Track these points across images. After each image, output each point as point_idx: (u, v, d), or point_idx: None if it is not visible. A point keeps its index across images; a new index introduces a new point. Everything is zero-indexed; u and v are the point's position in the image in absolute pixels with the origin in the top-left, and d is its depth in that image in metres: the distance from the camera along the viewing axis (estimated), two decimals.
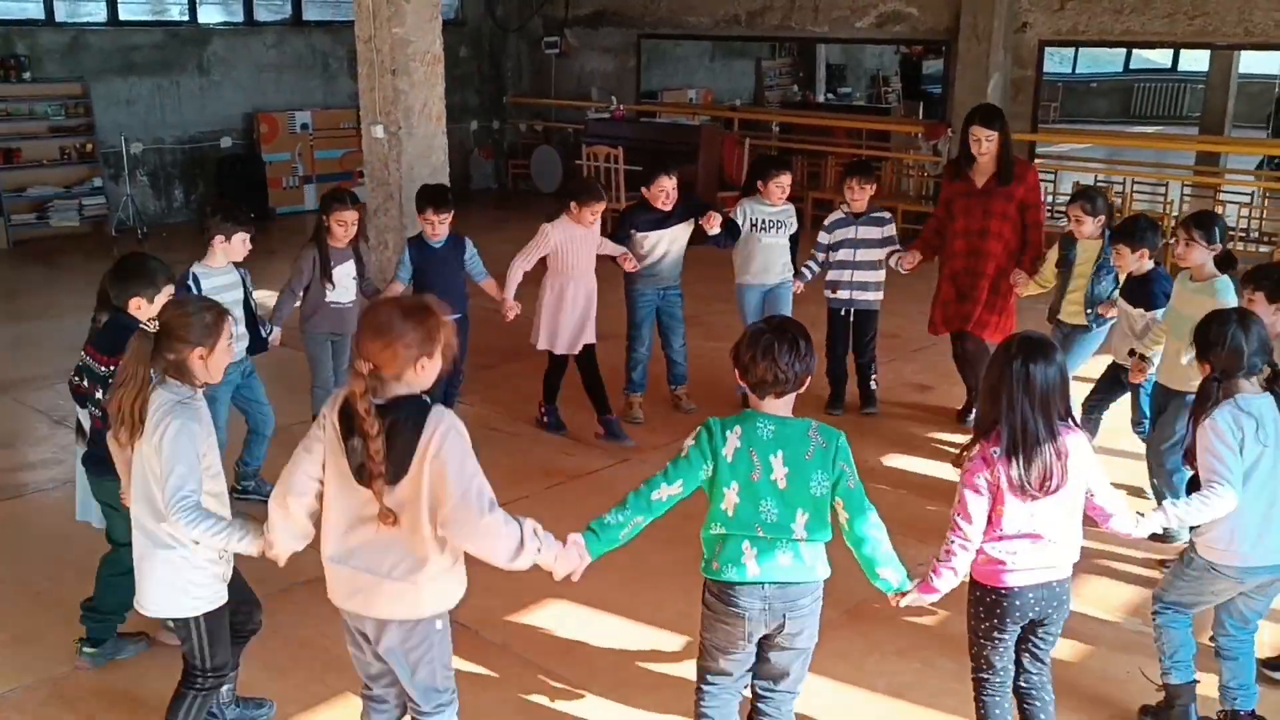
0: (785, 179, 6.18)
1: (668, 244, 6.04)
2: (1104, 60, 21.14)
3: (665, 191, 5.94)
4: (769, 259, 6.21)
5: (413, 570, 2.70)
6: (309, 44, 12.91)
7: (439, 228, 5.50)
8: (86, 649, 3.90)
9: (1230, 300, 4.44)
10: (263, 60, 12.55)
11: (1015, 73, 10.68)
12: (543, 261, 5.83)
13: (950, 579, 3.06)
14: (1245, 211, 10.36)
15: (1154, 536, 3.91)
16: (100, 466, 3.58)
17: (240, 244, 4.82)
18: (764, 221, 6.18)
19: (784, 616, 2.91)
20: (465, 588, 2.85)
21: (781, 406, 2.89)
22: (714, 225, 6.00)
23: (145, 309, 3.73)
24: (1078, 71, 21.12)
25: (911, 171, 12.05)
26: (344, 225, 5.28)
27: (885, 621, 4.27)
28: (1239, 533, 3.31)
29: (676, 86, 15.12)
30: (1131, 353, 4.93)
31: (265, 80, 12.56)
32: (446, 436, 2.61)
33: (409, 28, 6.16)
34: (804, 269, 6.30)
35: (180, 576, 3.04)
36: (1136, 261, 4.95)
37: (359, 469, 2.63)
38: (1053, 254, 5.69)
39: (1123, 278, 5.15)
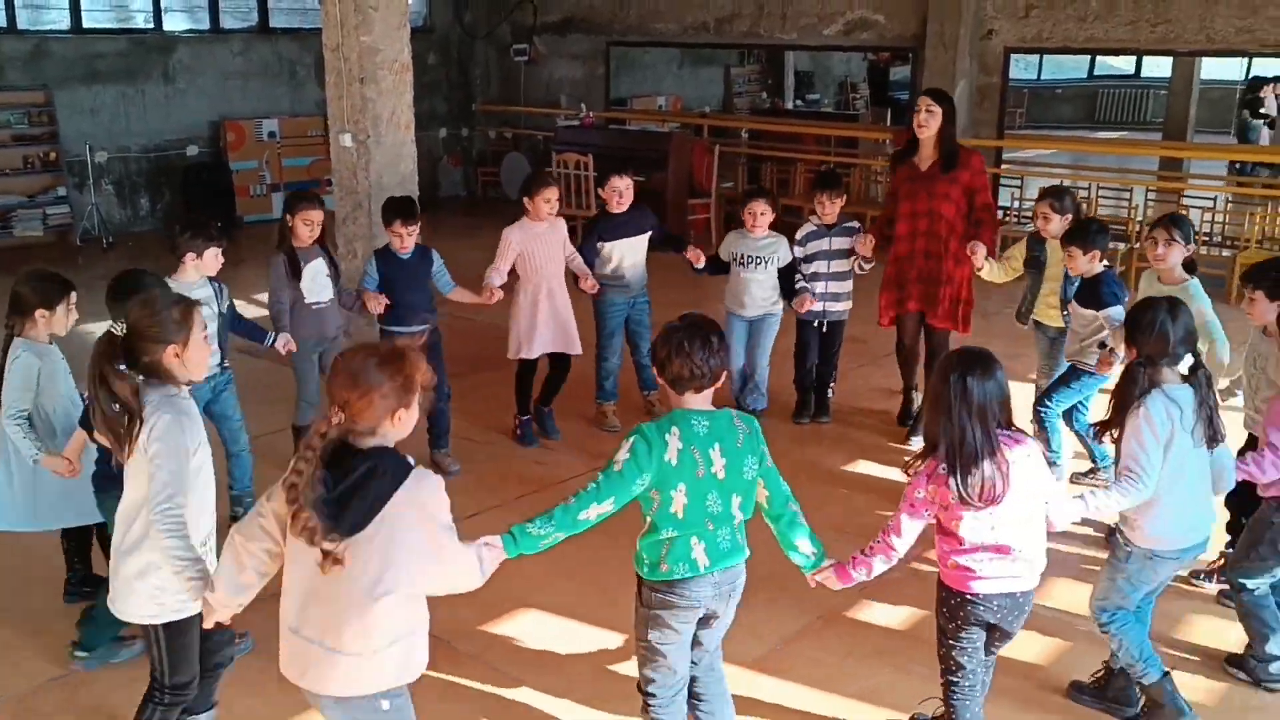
0: (758, 206, 6.04)
1: (623, 251, 6.04)
2: (1069, 67, 21.37)
3: (618, 191, 5.97)
4: (753, 294, 6.13)
5: (365, 637, 2.53)
6: (276, 51, 12.83)
7: (407, 240, 5.45)
8: (78, 653, 3.89)
9: (1206, 303, 4.55)
10: (229, 68, 12.45)
11: (981, 79, 10.77)
12: (514, 272, 5.82)
13: (863, 574, 3.17)
14: (1208, 216, 10.49)
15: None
16: (104, 483, 3.61)
17: (213, 259, 4.76)
18: (746, 258, 6.10)
19: (728, 597, 3.05)
20: (425, 662, 2.70)
21: (703, 401, 2.96)
22: (699, 261, 6.07)
23: None
24: (1043, 78, 21.34)
25: (880, 178, 12.13)
26: (309, 225, 5.19)
27: (860, 626, 4.29)
28: (1177, 517, 3.46)
29: (646, 94, 15.14)
30: (1102, 345, 4.99)
31: (232, 88, 12.47)
32: (427, 505, 2.51)
33: (377, 36, 6.14)
34: (801, 288, 6.08)
35: (148, 581, 2.98)
36: (1088, 263, 5.02)
37: (315, 505, 2.45)
38: (1020, 250, 5.74)
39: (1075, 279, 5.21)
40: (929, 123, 5.67)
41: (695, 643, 3.12)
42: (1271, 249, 9.82)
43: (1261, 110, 15.07)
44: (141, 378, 2.92)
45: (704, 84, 16.57)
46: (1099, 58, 19.95)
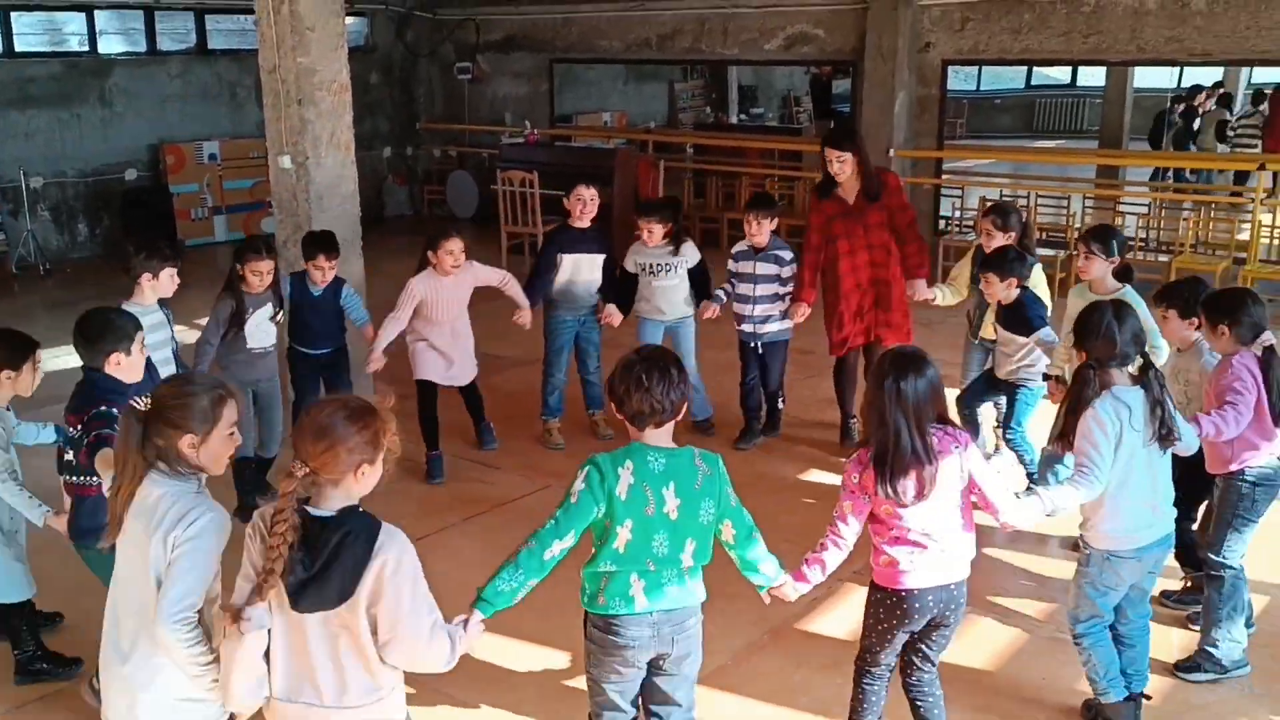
0: (647, 223, 6.02)
1: (580, 266, 6.03)
2: (1006, 78, 21.73)
3: (583, 201, 5.99)
4: (665, 298, 6.14)
5: (363, 695, 2.54)
6: (215, 73, 12.69)
7: (327, 274, 5.43)
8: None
9: (1142, 308, 4.59)
10: (167, 90, 12.29)
11: (920, 91, 10.92)
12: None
13: (819, 573, 3.19)
14: (1143, 222, 10.71)
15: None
16: (87, 538, 3.49)
17: (169, 280, 4.67)
18: (649, 266, 6.13)
19: (672, 640, 2.94)
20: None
21: (663, 436, 2.89)
22: (613, 319, 6.09)
23: (126, 362, 3.58)
24: (982, 88, 21.67)
25: None
26: (259, 275, 5.08)
27: (809, 638, 4.31)
28: (1129, 516, 3.50)
29: (591, 110, 15.17)
30: (1046, 376, 4.94)
31: (170, 110, 12.31)
32: (400, 563, 2.46)
33: (314, 56, 6.08)
34: (718, 293, 6.17)
35: (170, 693, 2.66)
36: (1005, 290, 5.08)
37: (298, 588, 2.41)
38: (965, 269, 5.80)
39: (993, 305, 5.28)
40: (843, 170, 5.75)
41: (658, 693, 3.03)
42: (1206, 253, 10.05)
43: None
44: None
45: (648, 100, 16.64)
46: (1036, 69, 20.31)
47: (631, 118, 15.52)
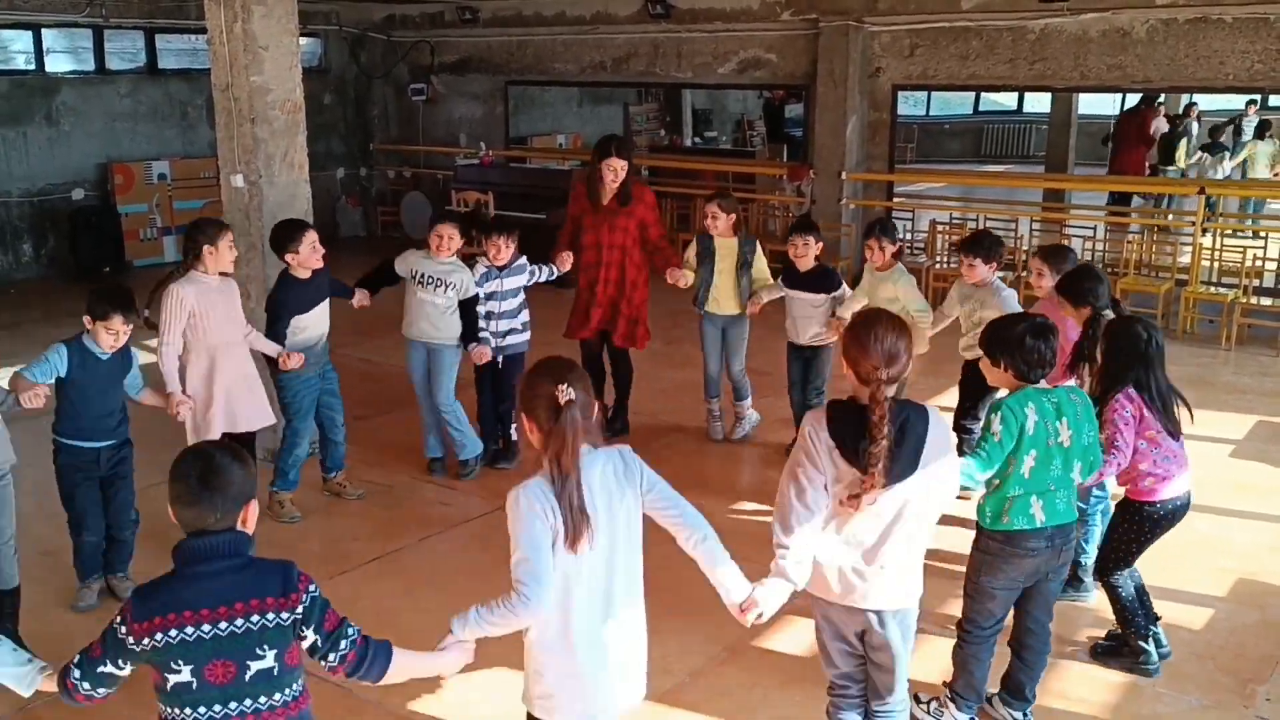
0: (444, 229, 5.72)
1: (314, 324, 5.45)
2: (955, 104, 22.11)
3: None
4: (430, 317, 5.75)
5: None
6: (166, 92, 12.57)
7: (121, 338, 4.42)
8: None
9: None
10: (116, 109, 12.15)
11: (871, 115, 11.08)
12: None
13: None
14: (1089, 245, 10.92)
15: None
16: None
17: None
18: (423, 275, 5.74)
19: (1060, 552, 3.58)
20: None
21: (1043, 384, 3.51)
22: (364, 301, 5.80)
23: None
24: (931, 114, 22.02)
25: (776, 213, 12.35)
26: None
27: (766, 654, 4.32)
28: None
29: (546, 132, 15.21)
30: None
31: (120, 130, 12.17)
32: None
33: (268, 75, 6.04)
34: (483, 338, 5.87)
35: None
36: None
37: None
38: (691, 250, 6.44)
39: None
40: (620, 178, 6.27)
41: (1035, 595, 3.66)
42: (1150, 274, 10.26)
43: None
44: None
45: (603, 122, 16.71)
46: (984, 95, 20.68)
47: (586, 139, 15.56)
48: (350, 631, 2.43)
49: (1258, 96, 13.88)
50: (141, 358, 5.16)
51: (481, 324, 5.89)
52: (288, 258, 5.28)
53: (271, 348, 5.28)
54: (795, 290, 6.19)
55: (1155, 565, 4.39)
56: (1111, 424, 3.89)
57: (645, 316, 6.49)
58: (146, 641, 2.27)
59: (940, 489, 3.02)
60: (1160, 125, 14.26)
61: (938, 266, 10.63)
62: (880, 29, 10.76)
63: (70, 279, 11.18)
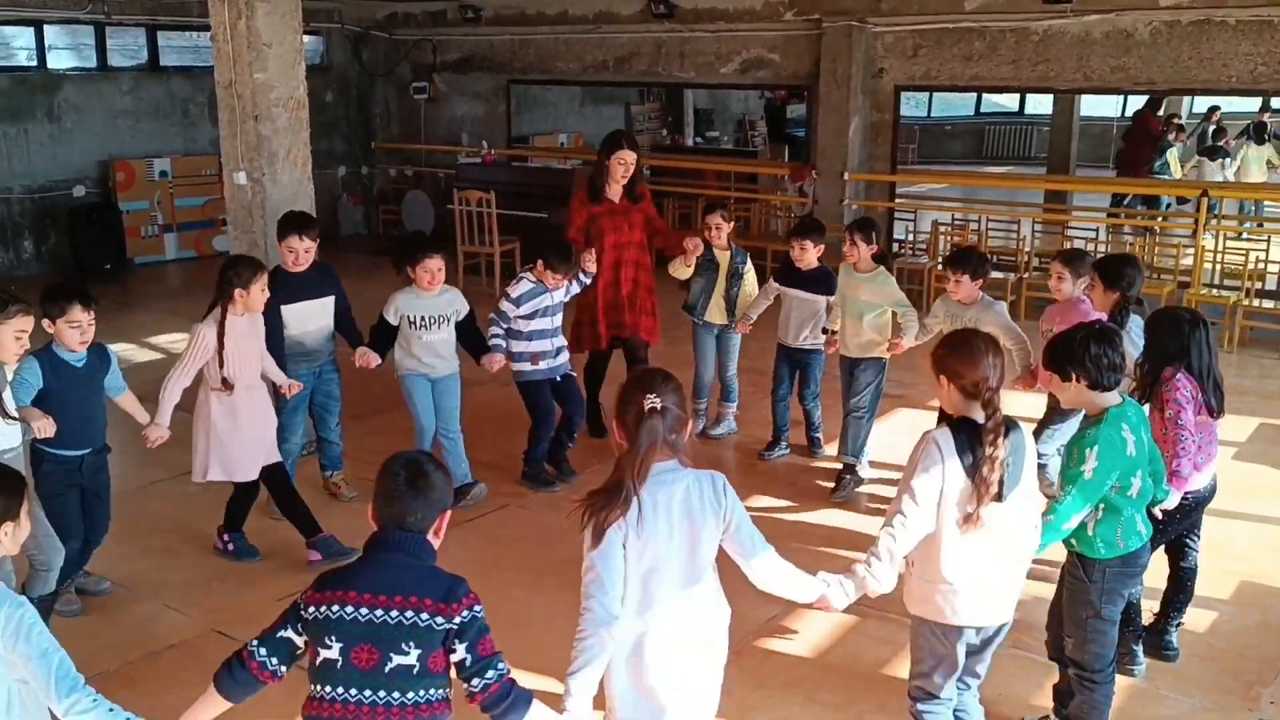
0: (433, 264, 5.47)
1: (307, 318, 5.46)
2: (957, 105, 22.09)
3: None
4: (432, 351, 5.59)
5: None
6: (168, 90, 12.55)
7: (87, 332, 4.23)
8: None
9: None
10: (118, 106, 12.14)
11: (874, 116, 11.07)
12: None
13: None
14: (1091, 246, 10.90)
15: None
16: None
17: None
18: (421, 319, 5.51)
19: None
20: None
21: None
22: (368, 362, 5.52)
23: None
24: (933, 115, 22.00)
25: (779, 213, 12.35)
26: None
27: (768, 656, 4.31)
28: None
29: (548, 131, 15.19)
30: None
31: (121, 127, 12.16)
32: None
33: (271, 73, 6.04)
34: (495, 345, 5.69)
35: None
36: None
37: None
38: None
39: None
40: (632, 171, 6.35)
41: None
42: (1152, 276, 10.24)
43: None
44: None
45: (605, 121, 16.67)
46: (985, 96, 20.66)
47: (588, 139, 15.56)
48: (501, 666, 2.50)
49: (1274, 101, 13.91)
50: (141, 356, 5.15)
51: (521, 344, 5.72)
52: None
53: (280, 377, 5.19)
54: (792, 289, 6.19)
55: (1155, 565, 4.38)
56: (1175, 403, 3.83)
57: (658, 311, 6.65)
58: (314, 610, 2.44)
59: (1032, 505, 3.17)
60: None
61: (939, 268, 10.61)
62: (883, 29, 10.74)
63: (71, 276, 11.18)
